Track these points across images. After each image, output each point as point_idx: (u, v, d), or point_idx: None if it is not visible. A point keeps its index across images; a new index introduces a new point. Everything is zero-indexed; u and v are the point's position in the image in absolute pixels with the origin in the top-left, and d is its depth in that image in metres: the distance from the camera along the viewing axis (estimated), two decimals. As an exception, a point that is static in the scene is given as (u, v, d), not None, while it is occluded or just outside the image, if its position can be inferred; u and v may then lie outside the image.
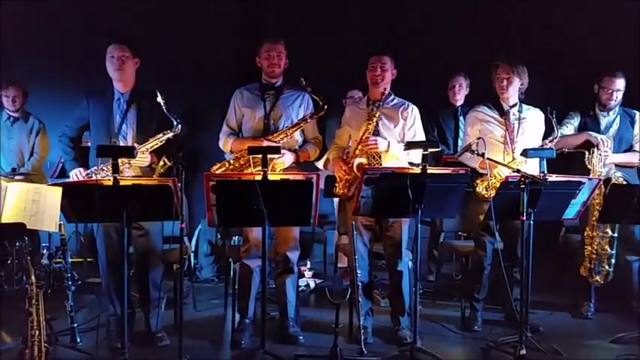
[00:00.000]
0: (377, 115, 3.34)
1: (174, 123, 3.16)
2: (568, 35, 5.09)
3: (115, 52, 3.24)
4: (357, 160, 3.32)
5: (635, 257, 3.75)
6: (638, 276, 3.77)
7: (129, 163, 3.15)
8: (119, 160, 3.01)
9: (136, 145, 3.17)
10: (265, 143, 3.26)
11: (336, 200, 4.66)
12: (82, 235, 5.07)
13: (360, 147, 3.34)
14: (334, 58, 5.19)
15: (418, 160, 3.09)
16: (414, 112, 3.46)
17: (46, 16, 5.32)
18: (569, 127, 3.90)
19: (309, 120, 3.38)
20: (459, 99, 4.71)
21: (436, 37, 5.35)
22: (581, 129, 3.87)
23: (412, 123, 3.45)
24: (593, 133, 3.76)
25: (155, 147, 3.19)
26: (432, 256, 4.73)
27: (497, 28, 5.26)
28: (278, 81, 3.44)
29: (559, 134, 3.47)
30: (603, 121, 3.85)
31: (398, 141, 3.41)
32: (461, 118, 4.63)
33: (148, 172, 3.24)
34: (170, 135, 3.17)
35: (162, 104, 3.10)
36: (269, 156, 3.00)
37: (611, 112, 3.85)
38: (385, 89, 3.42)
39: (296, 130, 3.37)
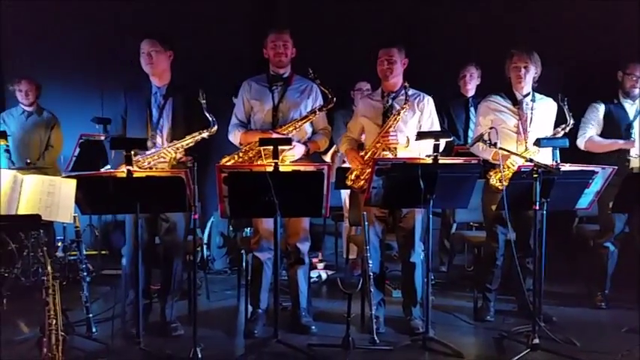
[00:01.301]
0: (404, 109, 3.30)
1: (211, 123, 3.16)
2: (580, 23, 5.04)
3: (146, 47, 3.26)
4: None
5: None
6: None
7: (164, 158, 3.16)
8: (156, 155, 3.08)
9: (174, 140, 3.19)
10: (274, 135, 3.26)
11: (344, 193, 4.68)
12: (97, 228, 5.13)
13: (381, 140, 3.32)
14: (343, 49, 5.18)
15: (431, 151, 3.08)
16: (429, 104, 3.44)
17: (59, 11, 5.36)
18: (595, 123, 3.83)
19: (317, 113, 3.36)
20: (470, 89, 4.68)
21: (448, 27, 5.32)
22: (606, 118, 3.81)
23: (429, 115, 3.43)
24: (622, 141, 3.73)
25: (190, 145, 3.19)
26: (444, 247, 4.72)
27: (508, 18, 5.21)
28: (286, 72, 3.43)
29: (572, 122, 3.43)
30: (631, 109, 3.80)
31: (414, 133, 3.41)
32: (472, 109, 4.61)
33: (181, 167, 3.21)
34: (205, 134, 3.17)
35: (203, 104, 3.10)
36: (279, 147, 3.01)
37: (637, 100, 3.79)
38: (399, 81, 3.40)
39: (305, 122, 3.36)
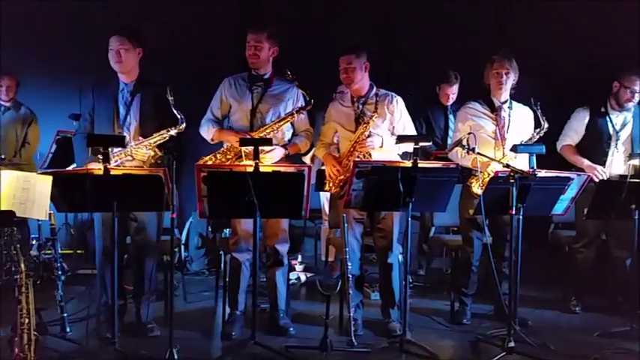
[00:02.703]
0: (373, 119, 3.33)
1: (180, 120, 3.13)
2: (559, 32, 5.13)
3: (115, 44, 3.21)
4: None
5: (625, 253, 3.73)
6: (629, 272, 3.77)
7: (132, 156, 3.13)
8: (123, 154, 3.02)
9: (140, 138, 3.15)
10: (248, 137, 3.22)
11: (323, 195, 4.68)
12: (72, 227, 5.05)
13: (357, 148, 3.33)
14: (326, 52, 5.19)
15: (409, 150, 3.10)
16: (399, 104, 3.45)
17: (39, 7, 5.27)
18: (575, 130, 3.84)
19: (295, 115, 3.35)
20: (450, 98, 4.65)
21: (427, 33, 5.37)
22: (590, 126, 3.80)
23: (400, 115, 3.45)
24: (587, 163, 3.72)
25: (157, 143, 3.15)
26: (422, 251, 4.75)
27: (488, 26, 5.29)
28: (267, 72, 3.40)
29: (546, 126, 3.47)
30: (618, 120, 3.77)
31: (388, 134, 3.43)
32: (450, 116, 4.64)
33: (153, 165, 3.19)
34: (174, 132, 3.13)
35: (170, 101, 3.07)
36: (259, 149, 3.00)
37: (625, 111, 3.77)
38: (364, 85, 3.40)
39: (283, 124, 3.33)
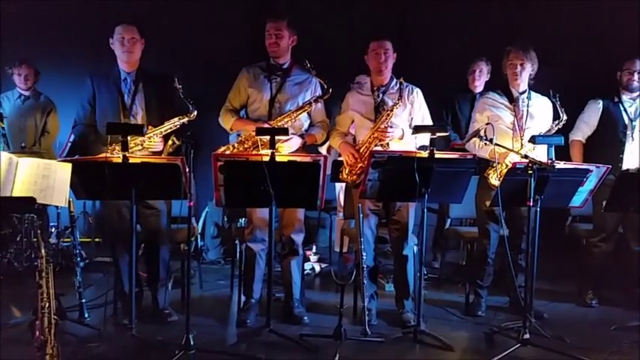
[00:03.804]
0: (398, 105, 3.31)
1: (190, 108, 3.14)
2: (580, 24, 5.06)
3: (126, 33, 3.22)
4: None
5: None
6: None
7: (141, 145, 3.15)
8: (132, 143, 3.05)
9: (149, 127, 3.17)
10: (266, 126, 3.23)
11: (338, 186, 4.68)
12: (90, 216, 5.12)
13: (376, 135, 3.31)
14: (343, 42, 5.17)
15: (426, 142, 3.09)
16: (419, 96, 3.45)
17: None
18: (587, 124, 3.83)
19: (312, 104, 3.35)
20: (479, 85, 4.55)
21: (456, 21, 5.30)
22: (604, 116, 3.80)
23: (419, 107, 3.45)
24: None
25: (169, 131, 3.17)
26: (439, 244, 4.71)
27: (514, 15, 5.21)
28: (286, 62, 3.42)
29: (565, 118, 3.44)
30: (632, 109, 3.78)
31: (407, 125, 3.42)
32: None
33: (171, 154, 3.19)
34: (185, 120, 3.16)
35: (179, 89, 3.09)
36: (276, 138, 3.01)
37: (637, 100, 3.78)
38: (389, 74, 3.41)
39: (300, 113, 3.34)
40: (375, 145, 3.31)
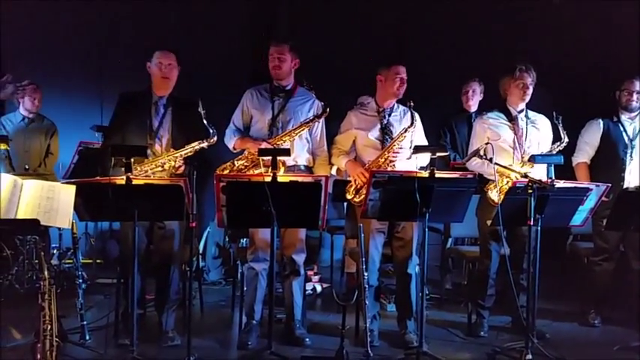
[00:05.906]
0: (413, 127, 3.37)
1: (211, 133, 3.19)
2: (577, 43, 5.12)
3: (164, 59, 3.31)
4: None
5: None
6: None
7: (162, 167, 3.18)
8: (153, 164, 3.11)
9: (172, 149, 3.23)
10: (263, 145, 3.29)
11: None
12: (92, 237, 5.12)
13: (387, 156, 3.35)
14: (344, 64, 5.24)
15: (426, 163, 3.12)
16: (418, 119, 3.49)
17: (59, 17, 5.38)
18: (590, 144, 3.84)
19: (310, 123, 3.40)
20: (473, 104, 4.66)
21: (450, 43, 5.40)
22: (604, 136, 3.81)
23: (419, 130, 3.51)
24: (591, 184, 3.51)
25: (189, 154, 3.21)
26: (446, 265, 4.68)
27: (511, 35, 5.29)
28: (289, 84, 3.48)
29: (566, 140, 3.46)
30: (631, 127, 3.80)
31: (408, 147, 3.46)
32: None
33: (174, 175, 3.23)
34: (205, 144, 3.20)
35: (202, 114, 3.14)
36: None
37: (636, 119, 3.80)
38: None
39: (300, 131, 3.38)
40: (387, 166, 3.34)
